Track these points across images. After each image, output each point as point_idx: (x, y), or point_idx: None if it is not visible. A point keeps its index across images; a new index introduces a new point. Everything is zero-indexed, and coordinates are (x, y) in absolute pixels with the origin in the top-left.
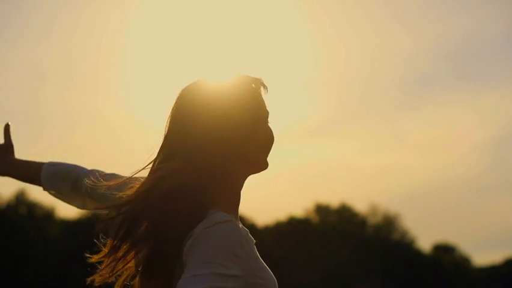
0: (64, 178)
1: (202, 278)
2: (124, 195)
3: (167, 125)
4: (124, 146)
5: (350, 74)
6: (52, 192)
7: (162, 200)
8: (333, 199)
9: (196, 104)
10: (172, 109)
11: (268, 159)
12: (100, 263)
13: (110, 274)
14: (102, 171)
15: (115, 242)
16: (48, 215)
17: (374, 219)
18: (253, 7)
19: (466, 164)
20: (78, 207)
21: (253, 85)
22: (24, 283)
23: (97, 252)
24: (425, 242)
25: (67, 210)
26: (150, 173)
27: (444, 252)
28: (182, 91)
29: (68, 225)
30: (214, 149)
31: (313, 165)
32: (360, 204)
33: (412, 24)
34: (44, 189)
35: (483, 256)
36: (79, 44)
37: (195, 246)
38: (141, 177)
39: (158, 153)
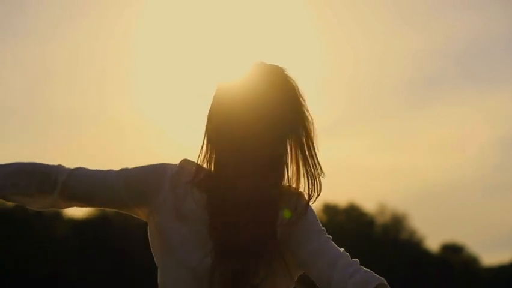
0: (29, 176)
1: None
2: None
3: (220, 132)
4: (131, 146)
5: (359, 74)
6: (11, 194)
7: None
8: (341, 199)
9: (244, 107)
10: (218, 115)
11: None
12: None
13: None
14: (65, 166)
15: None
16: (56, 214)
17: (382, 219)
18: (262, 8)
19: (474, 164)
20: (43, 207)
21: (286, 73)
22: (32, 282)
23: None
24: (433, 242)
25: (75, 209)
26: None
27: (453, 252)
28: (222, 97)
29: (76, 224)
30: (280, 145)
31: (321, 164)
32: (368, 204)
33: (420, 24)
34: (1, 193)
35: (491, 256)
36: (86, 44)
37: (301, 217)
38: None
39: (211, 162)
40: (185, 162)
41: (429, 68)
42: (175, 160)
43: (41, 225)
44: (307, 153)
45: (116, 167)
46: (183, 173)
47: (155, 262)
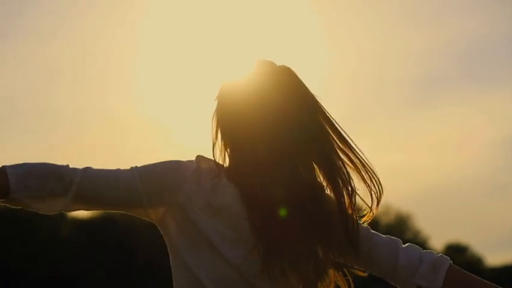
0: (42, 177)
1: None
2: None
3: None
4: (135, 146)
5: (361, 73)
6: (24, 197)
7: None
8: None
9: (247, 107)
10: (224, 114)
11: None
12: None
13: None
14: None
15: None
16: (61, 214)
17: (386, 219)
18: (264, 7)
19: (478, 164)
20: (52, 211)
21: (291, 71)
22: (37, 282)
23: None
24: (437, 242)
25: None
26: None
27: (457, 252)
28: (226, 97)
29: (81, 223)
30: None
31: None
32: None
33: (423, 24)
34: (14, 196)
35: (496, 256)
36: (90, 42)
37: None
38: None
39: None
40: (201, 158)
41: (431, 68)
42: (180, 159)
43: (46, 225)
44: (347, 154)
45: (120, 166)
46: (204, 168)
47: (177, 262)
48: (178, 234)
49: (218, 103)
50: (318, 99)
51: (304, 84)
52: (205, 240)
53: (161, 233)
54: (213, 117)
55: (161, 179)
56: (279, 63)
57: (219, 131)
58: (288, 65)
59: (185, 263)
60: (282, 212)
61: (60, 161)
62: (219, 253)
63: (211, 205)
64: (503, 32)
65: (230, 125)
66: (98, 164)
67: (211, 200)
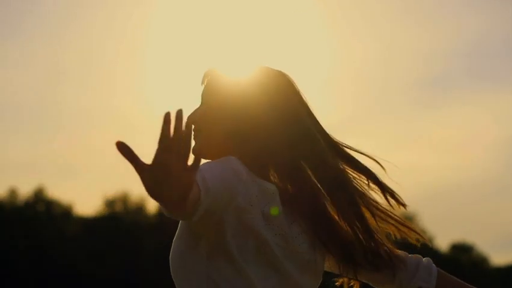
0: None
1: None
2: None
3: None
4: (143, 145)
5: (366, 73)
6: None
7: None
8: None
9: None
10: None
11: None
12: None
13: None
14: None
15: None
16: (66, 213)
17: None
18: (270, 7)
19: (483, 163)
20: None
21: (288, 77)
22: (42, 281)
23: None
24: (442, 241)
25: (84, 208)
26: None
27: (462, 251)
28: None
29: (86, 222)
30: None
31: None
32: None
33: (428, 24)
34: (198, 208)
35: (501, 255)
36: (97, 42)
37: None
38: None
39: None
40: (234, 158)
41: (437, 68)
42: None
43: (51, 224)
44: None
45: (128, 165)
46: (245, 169)
47: (220, 271)
48: (234, 242)
49: (216, 100)
50: (310, 106)
51: (296, 89)
52: (265, 248)
53: (193, 239)
54: (208, 112)
55: (223, 182)
56: (284, 63)
57: (221, 127)
58: (293, 65)
59: (242, 271)
60: (274, 211)
61: (66, 161)
62: (281, 266)
63: (264, 212)
64: (508, 32)
65: (237, 121)
66: (104, 164)
67: (262, 205)
